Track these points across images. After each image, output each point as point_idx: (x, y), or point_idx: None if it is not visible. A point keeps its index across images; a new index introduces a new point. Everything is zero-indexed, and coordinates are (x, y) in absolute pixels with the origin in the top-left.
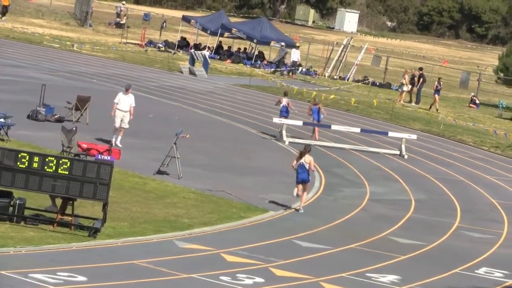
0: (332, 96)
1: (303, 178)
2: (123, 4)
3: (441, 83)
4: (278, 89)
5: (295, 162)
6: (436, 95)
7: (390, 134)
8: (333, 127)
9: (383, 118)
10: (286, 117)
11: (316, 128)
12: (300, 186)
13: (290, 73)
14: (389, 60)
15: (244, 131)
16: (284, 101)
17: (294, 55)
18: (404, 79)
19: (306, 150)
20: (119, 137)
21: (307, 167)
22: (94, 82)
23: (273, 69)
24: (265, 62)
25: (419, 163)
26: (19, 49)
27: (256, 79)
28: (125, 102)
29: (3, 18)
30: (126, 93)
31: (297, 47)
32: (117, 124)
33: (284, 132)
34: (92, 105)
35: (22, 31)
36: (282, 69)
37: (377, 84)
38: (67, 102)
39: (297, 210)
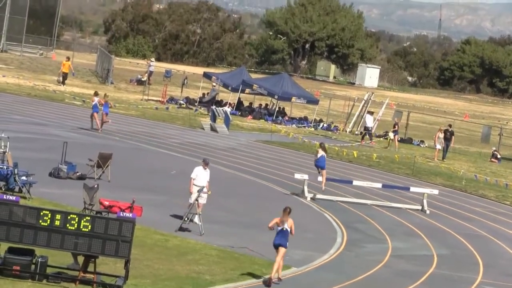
0: (355, 153)
1: (321, 166)
2: (153, 61)
3: None
4: (300, 145)
5: (315, 156)
6: None
7: (412, 189)
8: (355, 182)
9: (405, 173)
10: (97, 112)
11: (104, 116)
12: (320, 171)
13: (362, 140)
14: (410, 115)
15: (266, 187)
16: (96, 99)
17: (368, 121)
18: (439, 137)
19: (322, 146)
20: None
21: (322, 157)
22: (116, 139)
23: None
24: (287, 118)
25: (441, 218)
26: (41, 106)
27: (277, 135)
28: (203, 178)
29: (63, 86)
30: (205, 167)
31: (371, 113)
32: (193, 200)
33: (306, 188)
34: (114, 162)
35: (44, 89)
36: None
37: (399, 139)
38: (89, 160)
39: (323, 190)
